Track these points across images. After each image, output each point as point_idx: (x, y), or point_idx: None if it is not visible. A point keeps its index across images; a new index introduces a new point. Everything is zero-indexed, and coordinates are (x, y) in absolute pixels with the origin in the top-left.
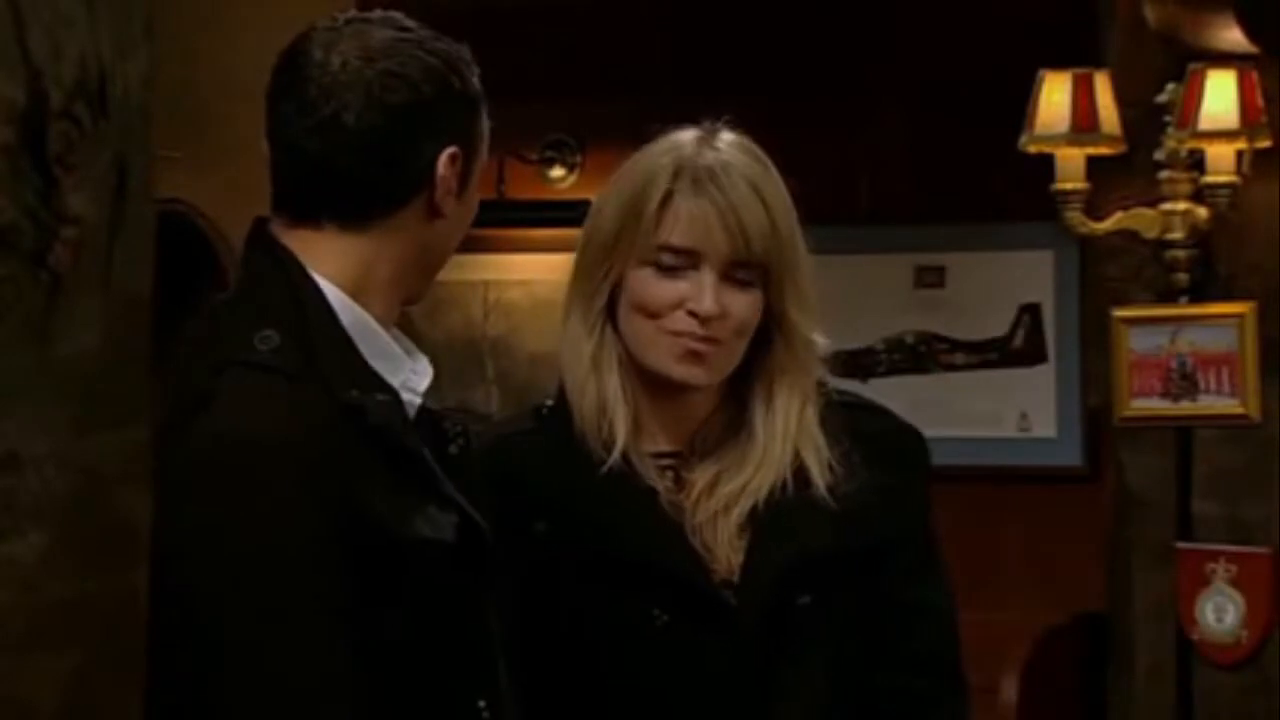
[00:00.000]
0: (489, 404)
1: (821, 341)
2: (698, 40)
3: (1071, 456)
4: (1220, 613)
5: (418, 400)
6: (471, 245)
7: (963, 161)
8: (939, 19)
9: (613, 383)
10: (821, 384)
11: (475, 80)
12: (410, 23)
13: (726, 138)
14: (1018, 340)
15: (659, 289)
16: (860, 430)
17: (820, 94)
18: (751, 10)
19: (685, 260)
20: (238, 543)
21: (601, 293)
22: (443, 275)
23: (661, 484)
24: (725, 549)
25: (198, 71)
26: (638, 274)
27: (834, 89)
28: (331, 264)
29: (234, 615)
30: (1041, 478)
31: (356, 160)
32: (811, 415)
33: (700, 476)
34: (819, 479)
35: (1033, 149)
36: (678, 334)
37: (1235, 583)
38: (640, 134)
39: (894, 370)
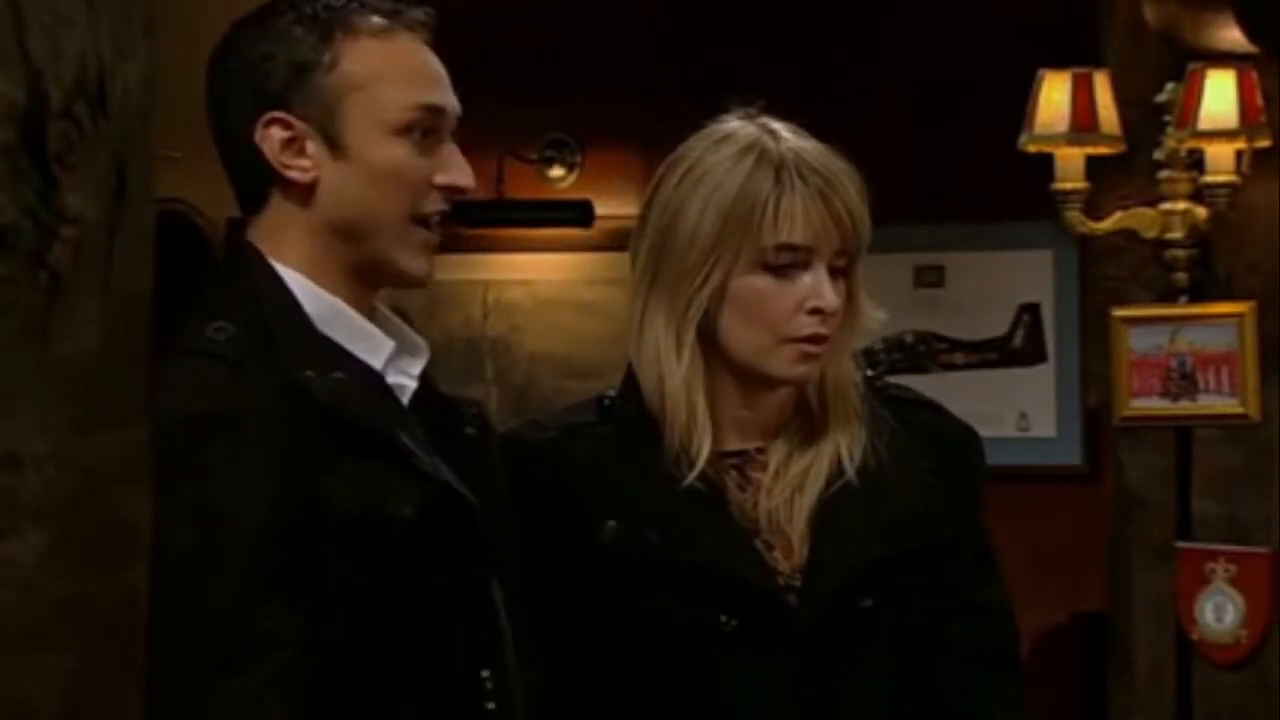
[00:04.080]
0: (488, 403)
1: (879, 316)
2: (697, 40)
3: (1071, 456)
4: (1220, 612)
5: (410, 382)
6: (471, 245)
7: (962, 161)
8: (938, 18)
9: (703, 400)
10: (873, 379)
11: (315, 38)
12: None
13: (779, 125)
14: (1017, 340)
15: (779, 294)
16: (916, 426)
17: (819, 93)
18: (750, 10)
19: (799, 258)
20: (172, 519)
21: (697, 305)
22: (442, 274)
23: (731, 483)
24: (796, 540)
25: (198, 71)
26: (748, 281)
27: (833, 88)
28: (287, 251)
29: (169, 587)
30: (1041, 477)
31: (221, 153)
32: (862, 394)
33: (770, 466)
34: (873, 468)
35: (1032, 149)
36: (797, 339)
37: (1235, 582)
38: (639, 134)
39: (893, 370)
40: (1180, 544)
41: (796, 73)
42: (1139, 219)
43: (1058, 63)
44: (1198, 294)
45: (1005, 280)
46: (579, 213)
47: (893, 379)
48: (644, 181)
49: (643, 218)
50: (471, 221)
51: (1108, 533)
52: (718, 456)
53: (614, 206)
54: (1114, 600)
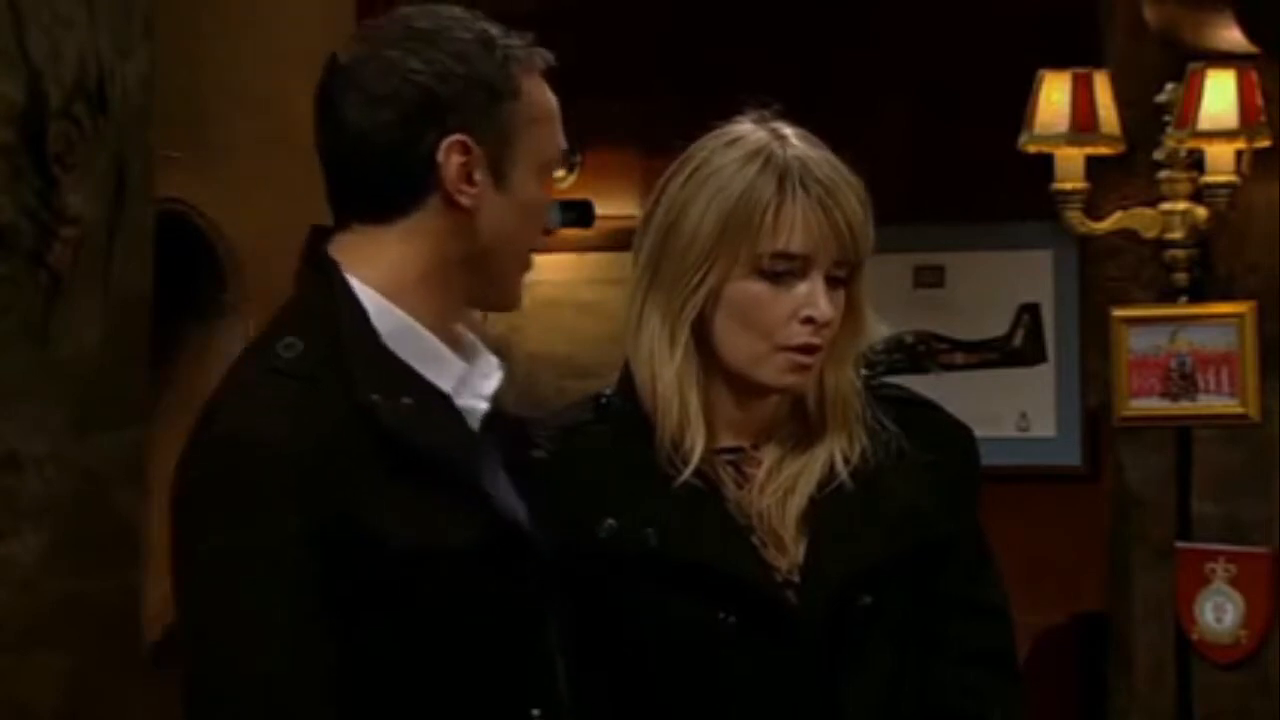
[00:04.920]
0: None
1: (881, 328)
2: (697, 41)
3: (1071, 456)
4: (1220, 612)
5: (481, 405)
6: None
7: (962, 161)
8: (938, 18)
9: (695, 398)
10: (869, 378)
11: (499, 64)
12: (446, 14)
13: (790, 131)
14: (1017, 340)
15: (773, 301)
16: (913, 426)
17: (819, 94)
18: (751, 11)
19: (796, 266)
20: (218, 539)
21: (692, 304)
22: None
23: (728, 479)
24: (788, 539)
25: (198, 71)
26: (743, 286)
27: (833, 89)
28: (368, 267)
29: (208, 609)
30: (1041, 477)
31: (357, 157)
32: (862, 398)
33: (764, 465)
34: (870, 469)
35: (1032, 149)
36: (788, 348)
37: (1234, 582)
38: (639, 135)
39: (893, 370)
40: (1180, 544)
41: (796, 73)
42: (1139, 219)
43: (1058, 63)
44: (1198, 294)
45: (1005, 280)
46: (579, 213)
47: (892, 379)
48: (644, 182)
49: (648, 214)
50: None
51: (1107, 533)
52: (712, 453)
53: (614, 207)
54: (1114, 600)
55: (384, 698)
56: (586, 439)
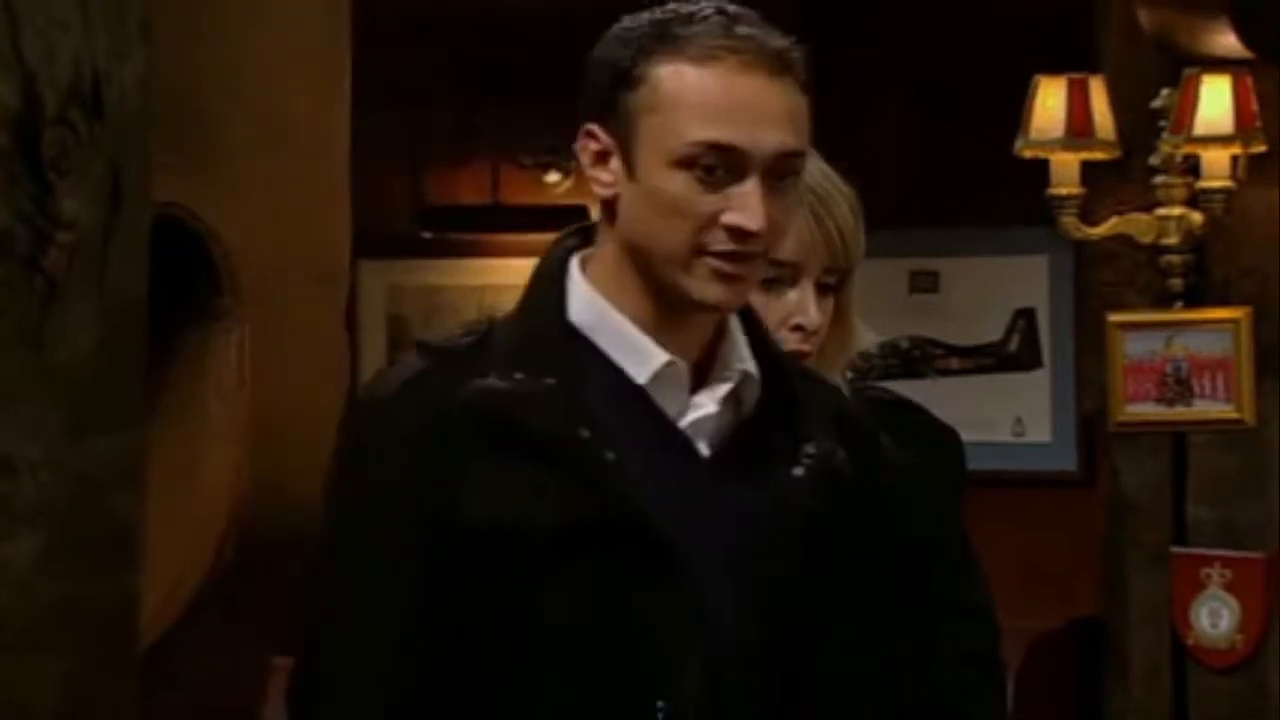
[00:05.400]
0: None
1: (870, 336)
2: None
3: (1066, 461)
4: (1215, 617)
5: (710, 406)
6: (467, 250)
7: (957, 166)
8: (934, 23)
9: None
10: (854, 379)
11: (629, 51)
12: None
13: None
14: (1012, 345)
15: (764, 308)
16: (898, 427)
17: (817, 97)
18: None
19: (786, 273)
20: (331, 491)
21: None
22: (437, 279)
23: None
24: None
25: (195, 73)
26: None
27: (828, 92)
28: (595, 260)
29: (320, 554)
30: (1036, 482)
31: None
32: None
33: None
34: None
35: (1028, 154)
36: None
37: (1230, 587)
38: None
39: (888, 375)
40: (1175, 549)
41: None
42: (1134, 224)
43: (1053, 68)
44: (1193, 299)
45: (1000, 285)
46: (575, 218)
47: (887, 384)
48: None
49: None
50: (467, 227)
51: (1103, 538)
52: None
53: None
54: (1109, 605)
55: (480, 683)
56: None
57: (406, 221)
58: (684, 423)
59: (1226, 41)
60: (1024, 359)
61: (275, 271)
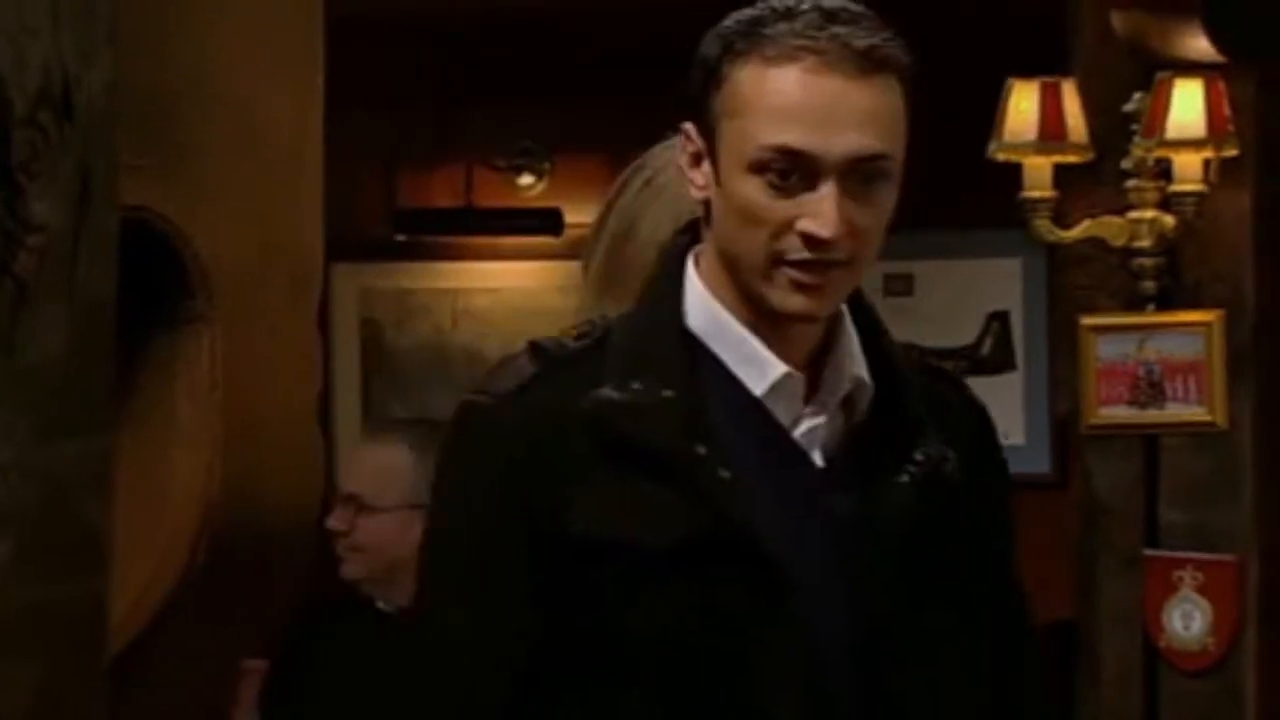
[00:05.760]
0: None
1: None
2: (667, 47)
3: (1039, 464)
4: (1187, 620)
5: (821, 417)
6: (440, 253)
7: (930, 169)
8: (905, 27)
9: None
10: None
11: (717, 50)
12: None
13: None
14: (985, 348)
15: None
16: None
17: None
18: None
19: None
20: (437, 496)
21: None
22: (410, 282)
23: None
24: None
25: (164, 75)
26: None
27: None
28: (704, 258)
29: (427, 558)
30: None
31: None
32: None
33: None
34: None
35: (1000, 157)
36: None
37: (1202, 590)
38: (609, 142)
39: None
40: (1148, 552)
41: None
42: (1107, 227)
43: (1026, 71)
44: (1165, 302)
45: (974, 288)
46: (548, 221)
47: None
48: None
49: (600, 223)
50: (440, 229)
51: (1075, 541)
52: None
53: (584, 215)
54: (1082, 608)
55: (570, 694)
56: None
57: (380, 224)
58: (797, 433)
59: (1199, 45)
60: (997, 362)
61: (247, 274)
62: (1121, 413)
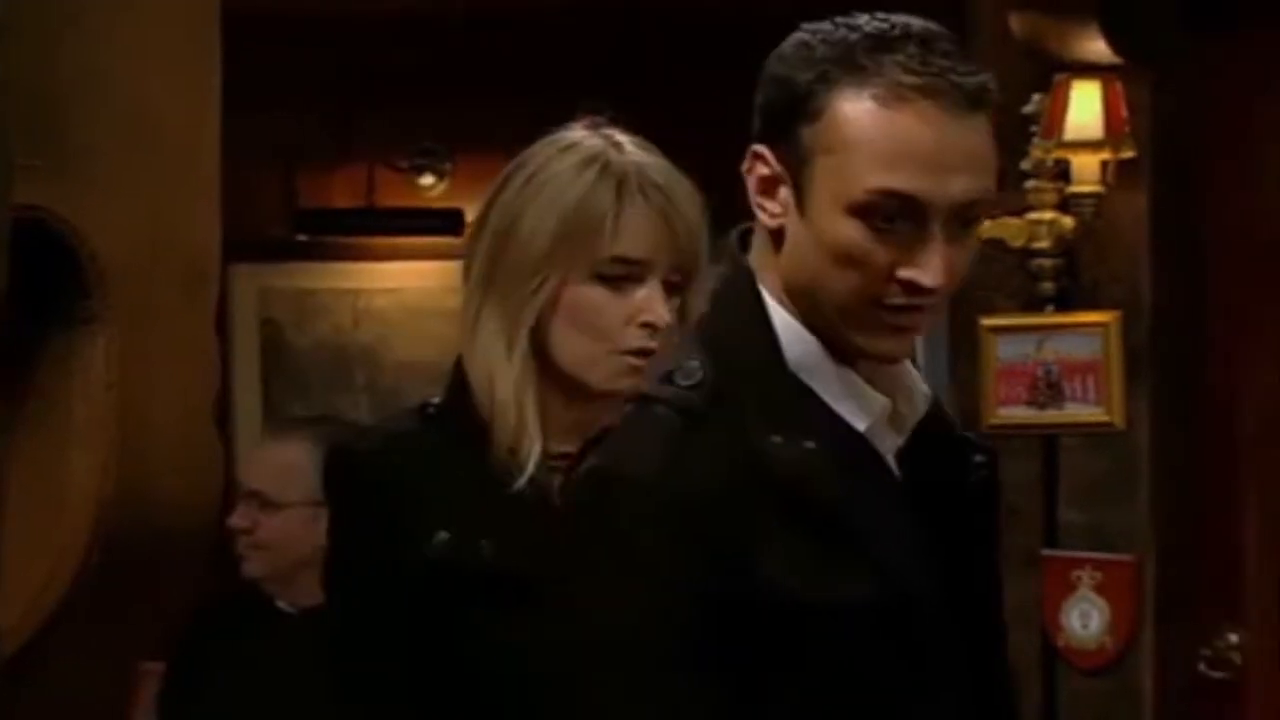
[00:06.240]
0: (358, 411)
1: None
2: (571, 45)
3: None
4: (1085, 619)
5: (898, 438)
6: (340, 253)
7: None
8: (797, 28)
9: (532, 404)
10: None
11: (811, 78)
12: (852, 15)
13: (625, 137)
14: None
15: (610, 305)
16: None
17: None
18: (635, 17)
19: (634, 271)
20: (599, 585)
21: (530, 310)
22: (311, 283)
23: (556, 486)
24: None
25: (55, 74)
26: (581, 291)
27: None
28: (773, 281)
29: (596, 660)
30: None
31: None
32: None
33: None
34: None
35: None
36: (625, 352)
37: (1100, 589)
38: (511, 142)
39: None
40: (1046, 551)
41: (683, 79)
42: (1006, 229)
43: None
44: (1064, 303)
45: None
46: (449, 221)
47: None
48: None
49: (481, 220)
50: (341, 229)
51: None
52: (545, 459)
53: None
54: None
55: None
56: (413, 450)
57: (279, 224)
58: (889, 459)
59: (1096, 47)
60: None
61: (144, 274)
62: (1021, 413)
